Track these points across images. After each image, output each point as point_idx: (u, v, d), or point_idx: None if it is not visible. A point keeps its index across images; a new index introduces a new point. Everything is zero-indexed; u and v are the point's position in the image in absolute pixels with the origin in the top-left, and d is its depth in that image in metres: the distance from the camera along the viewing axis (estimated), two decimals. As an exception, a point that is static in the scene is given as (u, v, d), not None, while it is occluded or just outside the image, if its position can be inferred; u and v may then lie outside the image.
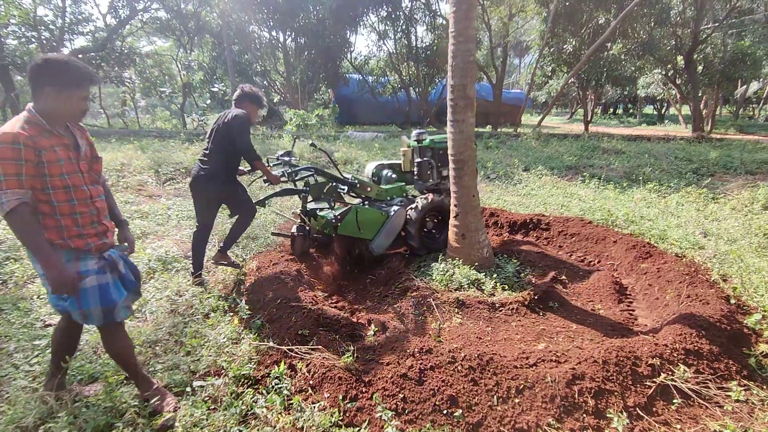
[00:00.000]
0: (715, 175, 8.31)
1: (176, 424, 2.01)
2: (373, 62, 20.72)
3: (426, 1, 16.99)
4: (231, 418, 2.02)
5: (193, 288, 3.30)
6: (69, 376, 2.23)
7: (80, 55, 13.30)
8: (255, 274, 3.65)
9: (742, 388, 2.18)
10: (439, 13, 17.36)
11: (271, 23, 17.19)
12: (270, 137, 10.12)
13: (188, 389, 2.19)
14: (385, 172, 4.68)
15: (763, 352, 2.52)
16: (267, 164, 3.76)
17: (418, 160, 4.57)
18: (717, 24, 16.50)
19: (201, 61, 17.05)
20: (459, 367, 2.26)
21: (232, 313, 2.99)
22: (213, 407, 2.11)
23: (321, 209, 4.05)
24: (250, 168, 3.71)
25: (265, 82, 18.78)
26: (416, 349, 2.39)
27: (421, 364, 2.29)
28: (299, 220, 4.13)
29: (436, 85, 19.04)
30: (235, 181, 3.56)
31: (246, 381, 2.31)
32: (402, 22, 17.27)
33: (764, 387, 2.25)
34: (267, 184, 3.81)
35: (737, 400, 2.12)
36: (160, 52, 18.37)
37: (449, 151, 3.83)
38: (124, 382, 2.26)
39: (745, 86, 23.68)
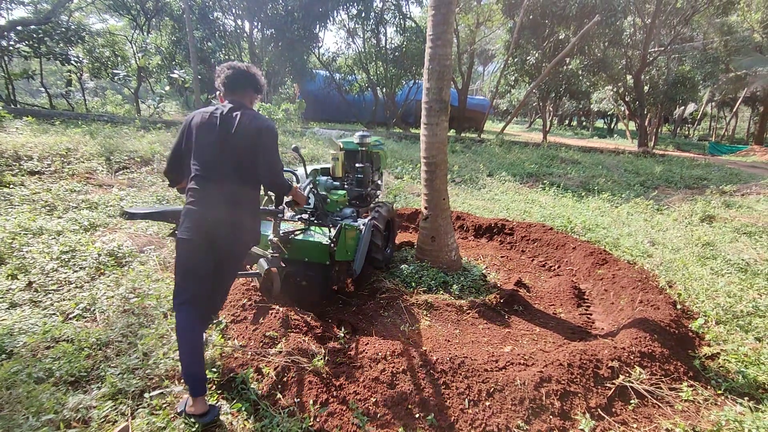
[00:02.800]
0: (659, 188, 8.96)
1: (131, 434, 1.85)
2: (341, 59, 20.49)
3: (397, 3, 17.05)
4: (192, 425, 1.90)
5: (151, 285, 3.09)
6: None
7: (19, 28, 12.12)
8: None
9: (690, 389, 2.35)
10: (409, 16, 17.49)
11: (238, 11, 16.55)
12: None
13: (146, 395, 2.03)
14: (323, 178, 3.84)
15: (706, 354, 2.73)
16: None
17: (360, 165, 4.15)
18: (662, 48, 17.87)
19: (159, 45, 16.07)
20: (431, 371, 2.26)
21: (193, 314, 2.82)
22: (173, 415, 1.97)
23: (296, 232, 3.16)
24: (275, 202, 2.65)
25: (228, 72, 18.03)
26: (388, 353, 2.37)
27: (393, 367, 2.27)
28: (274, 250, 2.81)
29: (403, 87, 19.17)
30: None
31: (209, 386, 2.18)
32: (372, 21, 17.21)
33: (708, 387, 2.44)
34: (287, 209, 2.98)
35: (686, 400, 2.28)
36: (112, 31, 17.14)
37: (422, 154, 3.85)
38: (72, 386, 2.06)
39: (683, 107, 25.84)
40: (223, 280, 2.20)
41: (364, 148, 4.16)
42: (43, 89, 14.85)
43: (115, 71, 13.31)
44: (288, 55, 16.71)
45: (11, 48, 11.97)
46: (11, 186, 4.73)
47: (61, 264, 3.28)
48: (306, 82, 19.05)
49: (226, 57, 17.02)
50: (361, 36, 17.84)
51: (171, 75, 13.11)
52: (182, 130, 2.12)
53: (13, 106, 10.87)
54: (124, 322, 2.63)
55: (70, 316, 2.69)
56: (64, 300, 2.85)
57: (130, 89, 15.25)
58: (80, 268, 3.28)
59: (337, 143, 4.22)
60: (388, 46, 17.56)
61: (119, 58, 15.16)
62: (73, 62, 13.70)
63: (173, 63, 16.21)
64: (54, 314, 2.67)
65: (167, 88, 13.51)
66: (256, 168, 2.10)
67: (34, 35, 12.20)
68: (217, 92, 2.22)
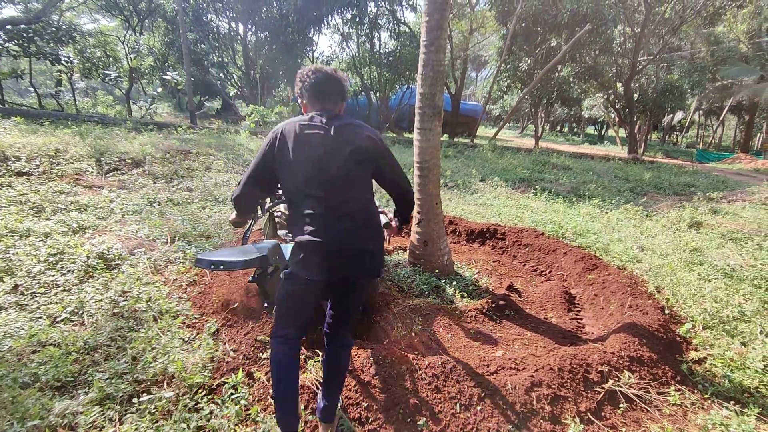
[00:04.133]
0: (648, 194, 9.10)
1: (118, 439, 1.83)
2: (335, 63, 20.56)
3: (391, 8, 17.17)
4: (182, 431, 1.88)
5: (141, 289, 3.05)
6: (-11, 388, 1.96)
7: (9, 27, 11.96)
8: (209, 275, 3.45)
9: (678, 393, 2.38)
10: (403, 21, 17.62)
11: (232, 14, 16.54)
12: (226, 132, 9.68)
13: (135, 400, 2.01)
14: None
15: (693, 358, 2.76)
16: None
17: None
18: (652, 57, 18.20)
19: (151, 46, 15.98)
20: (423, 375, 2.27)
21: (183, 317, 2.80)
22: (162, 420, 1.95)
23: None
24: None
25: (222, 75, 18.00)
26: (379, 357, 2.37)
27: (384, 371, 2.27)
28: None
29: (396, 91, 19.26)
30: None
31: (200, 390, 2.16)
32: (366, 26, 17.31)
33: (695, 391, 2.47)
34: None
35: (674, 404, 2.31)
36: (104, 31, 17.00)
37: (415, 159, 3.87)
38: (58, 391, 2.03)
39: (671, 115, 26.31)
40: (353, 311, 1.97)
41: None
42: (32, 89, 14.66)
43: (106, 72, 13.18)
44: (282, 58, 16.73)
45: (0, 47, 11.80)
46: (-2, 187, 4.65)
47: (49, 266, 3.23)
48: (300, 85, 19.05)
49: (220, 59, 17.00)
50: (356, 40, 17.92)
51: (164, 77, 13.03)
52: (269, 146, 1.74)
53: (1, 106, 10.71)
54: (113, 325, 2.60)
55: (58, 319, 2.65)
56: (51, 303, 2.80)
57: (121, 90, 15.13)
58: (68, 270, 3.23)
59: None
60: (382, 51, 17.65)
61: (111, 59, 15.02)
62: (63, 62, 13.55)
63: (166, 64, 16.12)
64: (41, 318, 2.63)
65: (159, 89, 13.42)
66: (382, 182, 1.93)
67: (24, 34, 12.06)
68: (300, 100, 1.90)
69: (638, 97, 19.83)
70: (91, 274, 3.25)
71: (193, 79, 12.54)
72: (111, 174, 5.91)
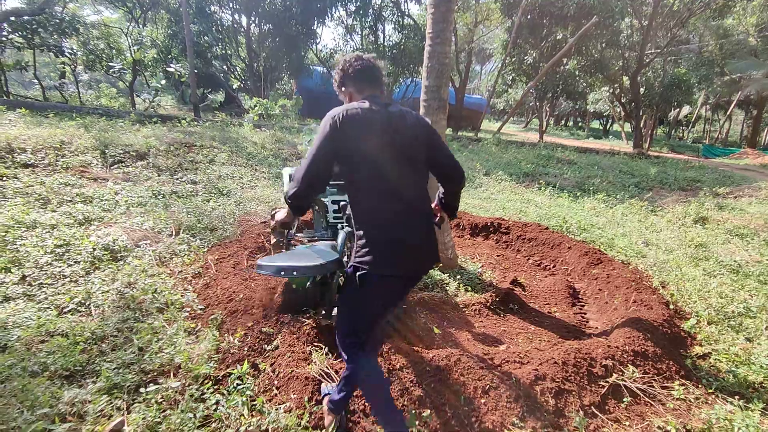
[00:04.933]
0: (653, 189, 9.04)
1: (126, 428, 1.85)
2: (338, 56, 20.45)
3: (395, 0, 17.02)
4: (189, 421, 1.90)
5: (147, 280, 3.07)
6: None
7: (12, 18, 11.95)
8: (214, 267, 3.47)
9: (682, 387, 2.38)
10: (407, 14, 17.47)
11: (235, 5, 16.43)
12: (230, 125, 9.66)
13: (142, 390, 2.03)
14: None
15: (697, 353, 2.76)
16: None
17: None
18: (659, 50, 17.98)
19: (154, 38, 15.93)
20: (427, 368, 2.27)
21: (189, 309, 2.82)
22: (168, 409, 1.97)
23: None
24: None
25: (225, 67, 17.93)
26: (384, 349, 2.38)
27: (389, 364, 2.28)
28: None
29: (400, 85, 19.15)
30: None
31: (205, 381, 2.18)
32: (370, 18, 17.18)
33: (699, 386, 2.47)
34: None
35: (678, 398, 2.31)
36: (107, 23, 16.95)
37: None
38: (67, 380, 2.05)
39: (678, 110, 26.04)
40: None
41: None
42: (36, 81, 14.67)
43: (110, 64, 13.15)
44: (285, 50, 16.64)
45: (4, 39, 11.80)
46: (4, 178, 4.67)
47: (56, 258, 3.25)
48: (303, 78, 18.98)
49: (223, 52, 16.91)
50: (359, 33, 17.79)
51: (167, 69, 12.99)
52: (331, 135, 1.59)
53: (5, 98, 10.74)
54: (120, 316, 2.62)
55: (65, 310, 2.67)
56: (58, 294, 2.82)
57: (125, 82, 15.11)
58: (75, 262, 3.25)
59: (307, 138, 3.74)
60: (386, 44, 17.52)
61: (114, 51, 14.99)
62: (67, 54, 13.54)
63: (169, 57, 16.07)
64: (48, 308, 2.65)
65: (163, 81, 13.38)
66: (437, 165, 1.80)
67: (28, 26, 12.04)
68: (342, 89, 1.79)
69: (645, 91, 19.63)
70: (97, 265, 3.27)
71: (196, 71, 12.50)
72: (116, 166, 5.92)
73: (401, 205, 1.64)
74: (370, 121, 1.62)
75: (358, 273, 1.63)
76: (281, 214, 1.93)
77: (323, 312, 2.07)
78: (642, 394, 2.31)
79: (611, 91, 20.88)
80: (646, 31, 16.50)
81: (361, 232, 1.64)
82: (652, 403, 2.28)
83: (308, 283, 2.07)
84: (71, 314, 2.63)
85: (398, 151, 1.64)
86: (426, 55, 3.59)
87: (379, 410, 1.73)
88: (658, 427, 2.11)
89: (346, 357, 1.75)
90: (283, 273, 1.66)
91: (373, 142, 1.61)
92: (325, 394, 2.05)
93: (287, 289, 2.78)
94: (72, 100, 13.78)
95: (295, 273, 1.65)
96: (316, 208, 3.16)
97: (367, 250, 1.61)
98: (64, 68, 15.31)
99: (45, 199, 4.39)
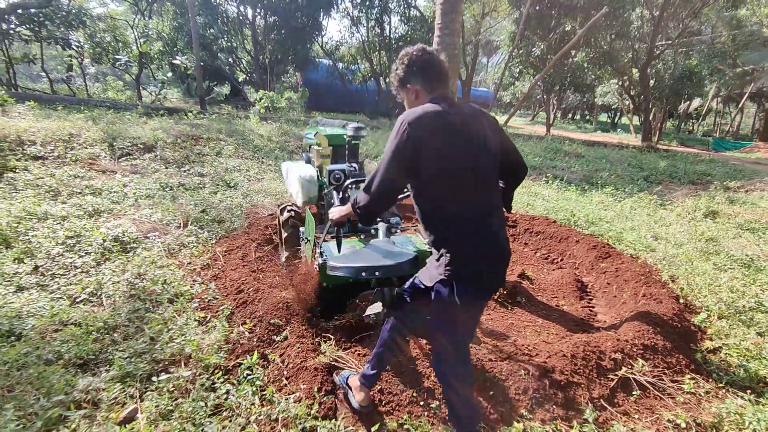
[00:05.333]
0: (662, 183, 8.94)
1: (139, 415, 1.88)
2: (344, 48, 20.31)
3: (402, -9, 16.85)
4: (200, 409, 1.92)
5: (156, 271, 3.10)
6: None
7: (20, 11, 11.99)
8: (222, 259, 3.49)
9: (692, 381, 2.37)
10: (413, 5, 17.29)
11: (240, -3, 16.37)
12: (236, 117, 9.67)
13: (154, 379, 2.05)
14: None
15: (708, 348, 2.74)
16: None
17: (355, 163, 3.47)
18: (670, 42, 17.67)
19: (160, 31, 15.92)
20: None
21: (198, 300, 2.84)
22: (180, 398, 1.99)
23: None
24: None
25: (230, 60, 17.90)
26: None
27: (399, 356, 2.29)
28: None
29: (406, 77, 19.03)
30: None
31: (216, 370, 2.20)
32: (376, 10, 17.02)
33: (709, 380, 2.46)
34: None
35: (688, 392, 2.30)
36: (113, 15, 16.96)
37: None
38: (80, 368, 2.09)
39: (688, 102, 25.64)
40: None
41: (357, 142, 3.52)
42: (43, 74, 14.76)
43: (117, 57, 13.17)
44: (291, 43, 16.57)
45: (12, 31, 11.86)
46: (15, 171, 4.72)
47: (67, 249, 3.29)
48: (309, 70, 18.91)
49: (229, 44, 16.88)
50: (365, 25, 17.64)
51: (173, 61, 12.98)
52: (406, 140, 1.46)
53: (14, 91, 10.81)
54: (130, 306, 2.65)
55: (77, 300, 2.71)
56: (70, 284, 2.86)
57: (131, 75, 15.15)
58: (85, 253, 3.29)
59: (324, 132, 3.57)
60: (392, 36, 17.37)
61: (120, 44, 15.01)
62: (74, 47, 13.58)
63: (174, 49, 16.06)
64: (61, 298, 2.69)
65: (169, 74, 13.40)
66: (505, 162, 1.70)
67: (35, 19, 12.08)
68: (409, 86, 1.63)
69: (654, 84, 19.32)
70: (107, 256, 3.30)
71: (202, 64, 12.50)
72: (123, 159, 5.95)
73: (487, 212, 1.56)
74: (448, 125, 1.49)
75: (454, 288, 1.49)
76: (337, 213, 1.86)
77: (371, 314, 2.05)
78: (651, 388, 2.30)
79: (620, 83, 20.58)
80: (657, 22, 16.19)
81: (448, 244, 1.51)
82: (662, 396, 2.27)
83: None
84: (83, 304, 2.67)
85: (478, 154, 1.53)
86: (435, 46, 3.55)
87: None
88: (668, 421, 2.10)
89: (443, 385, 1.70)
90: (364, 274, 1.55)
91: (454, 147, 1.49)
92: (347, 375, 2.08)
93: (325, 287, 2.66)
94: (79, 92, 13.85)
95: (377, 273, 1.55)
96: (332, 201, 3.14)
97: (461, 262, 1.50)
98: (71, 61, 15.36)
99: (55, 191, 4.44)
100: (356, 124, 3.36)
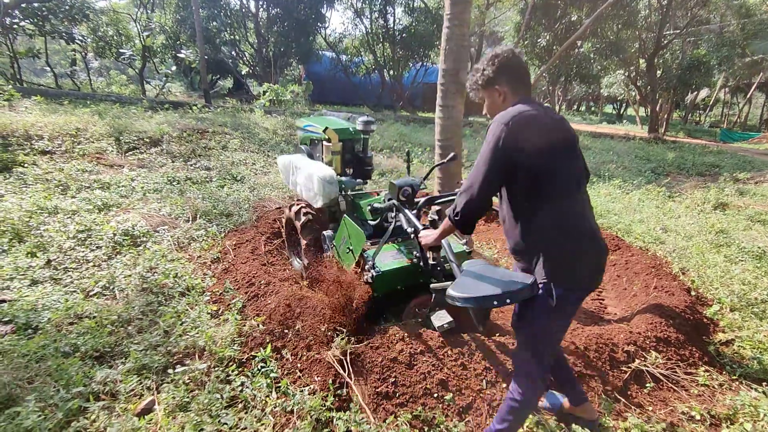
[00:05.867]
0: (670, 174, 8.86)
1: (156, 407, 1.90)
2: (347, 41, 20.14)
3: (405, -18, 16.66)
4: (216, 401, 1.94)
5: (167, 265, 3.12)
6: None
7: (23, 5, 11.96)
8: (232, 252, 3.50)
9: (706, 373, 2.36)
10: (417, -4, 17.12)
11: (242, -11, 16.25)
12: (241, 111, 9.64)
13: (170, 371, 2.07)
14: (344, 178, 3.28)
15: (720, 340, 2.73)
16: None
17: (362, 156, 3.50)
18: (678, 31, 17.40)
19: (163, 24, 15.85)
20: (448, 352, 2.28)
21: (210, 293, 2.86)
22: (196, 390, 2.01)
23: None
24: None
25: (233, 53, 17.82)
26: (405, 334, 2.39)
27: (411, 348, 2.29)
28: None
29: (410, 69, 18.88)
30: None
31: (230, 363, 2.22)
32: (380, 1, 16.84)
33: (723, 372, 2.45)
34: None
35: (702, 384, 2.30)
36: (115, 8, 16.90)
37: (436, 137, 3.81)
38: (97, 360, 2.11)
39: (695, 93, 25.30)
40: None
41: (366, 137, 3.43)
42: (48, 68, 14.76)
43: (121, 51, 13.14)
44: (294, 35, 16.45)
45: (16, 26, 11.84)
46: (24, 165, 4.74)
47: (78, 243, 3.31)
48: (312, 63, 18.79)
49: (232, 37, 16.79)
50: (369, 16, 17.46)
51: (178, 54, 12.94)
52: (505, 144, 1.45)
53: (19, 85, 10.83)
54: (143, 300, 2.67)
55: (91, 293, 2.73)
56: (83, 278, 2.88)
57: (134, 69, 15.13)
58: (97, 247, 3.31)
59: (336, 124, 3.46)
60: (396, 27, 17.21)
61: (123, 37, 14.97)
62: (77, 41, 13.56)
63: (177, 43, 16.01)
64: (75, 291, 2.71)
65: (174, 68, 13.36)
66: (586, 171, 1.69)
67: (38, 13, 12.06)
68: (497, 87, 1.61)
69: (662, 74, 19.07)
70: (118, 250, 3.32)
71: (206, 57, 12.45)
72: (130, 153, 5.96)
73: (586, 210, 1.55)
74: (544, 126, 1.49)
75: (554, 292, 1.47)
76: (430, 237, 1.87)
77: (443, 324, 2.08)
78: (665, 380, 2.30)
79: (627, 74, 20.33)
80: (665, 11, 15.94)
81: (553, 247, 1.50)
82: (676, 389, 2.27)
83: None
84: (97, 297, 2.69)
85: (571, 155, 1.55)
86: (444, 37, 3.51)
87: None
88: (682, 413, 2.10)
89: (527, 387, 1.65)
90: (496, 303, 1.50)
91: (553, 148, 1.48)
92: (559, 402, 2.02)
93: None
94: (83, 87, 13.85)
95: (508, 301, 1.52)
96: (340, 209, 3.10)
97: (567, 262, 1.49)
98: (74, 55, 15.36)
99: (64, 186, 4.46)
100: (366, 118, 3.29)
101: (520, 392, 1.65)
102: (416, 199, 2.60)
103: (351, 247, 2.53)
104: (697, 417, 2.08)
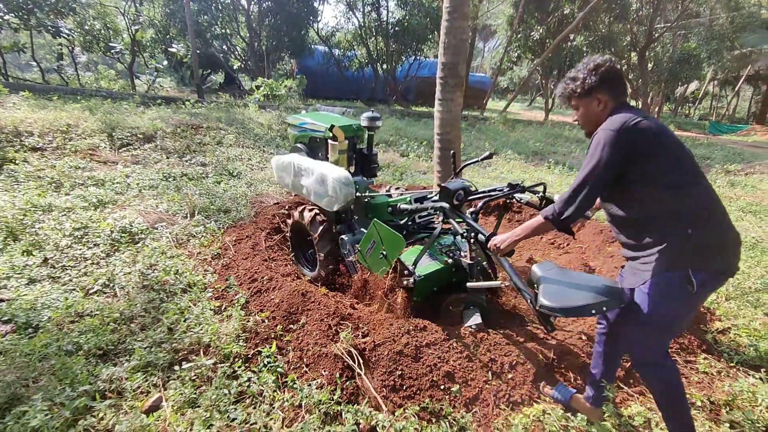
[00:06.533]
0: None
1: (164, 403, 1.89)
2: (340, 34, 19.97)
3: (398, -25, 16.52)
4: (224, 397, 1.93)
5: (167, 262, 3.09)
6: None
7: (8, -2, 11.67)
8: (233, 248, 3.48)
9: (705, 361, 2.41)
10: (410, -11, 16.96)
11: (233, -18, 16.00)
12: (234, 106, 9.54)
13: (176, 368, 2.06)
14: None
15: (718, 328, 2.78)
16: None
17: (368, 153, 3.43)
18: (669, 24, 17.53)
19: (152, 18, 15.57)
20: (453, 344, 2.30)
21: (212, 289, 2.84)
22: (203, 386, 2.00)
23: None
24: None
25: (225, 47, 17.58)
26: (411, 327, 2.40)
27: (416, 341, 2.30)
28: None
29: (403, 63, 18.80)
30: None
31: (236, 359, 2.21)
32: (373, -7, 16.71)
33: (720, 360, 2.50)
34: None
35: (702, 372, 2.34)
36: (103, 2, 16.54)
37: (435, 131, 3.80)
38: (101, 359, 2.09)
39: (685, 86, 25.57)
40: None
41: (371, 133, 3.35)
42: (33, 63, 14.44)
43: (110, 45, 12.89)
44: (286, 29, 16.26)
45: (0, 20, 11.55)
46: (15, 162, 4.65)
47: (75, 240, 3.26)
48: (304, 57, 18.60)
49: (223, 31, 16.56)
50: (361, 10, 17.32)
51: (169, 49, 12.73)
52: (621, 147, 1.56)
53: (4, 80, 10.60)
54: (145, 297, 2.65)
55: (90, 291, 2.70)
56: (82, 276, 2.85)
57: (123, 64, 14.86)
58: (94, 244, 3.27)
59: (343, 121, 3.35)
60: (389, 21, 17.09)
61: (111, 31, 14.67)
62: (64, 35, 13.27)
63: (167, 37, 15.74)
64: (74, 290, 2.68)
65: (165, 63, 13.14)
66: None
67: (24, 6, 11.77)
68: (599, 95, 1.71)
69: (653, 67, 19.23)
70: (116, 247, 3.28)
71: (198, 51, 12.26)
72: (124, 149, 5.88)
73: (718, 199, 1.63)
74: (652, 129, 1.58)
75: (694, 279, 1.53)
76: (507, 242, 1.94)
77: (473, 325, 2.18)
78: (666, 368, 2.33)
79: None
80: (656, 4, 16.05)
81: (688, 232, 1.55)
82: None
83: None
84: (97, 295, 2.66)
85: (682, 150, 1.62)
86: (443, 30, 3.49)
87: (675, 415, 1.75)
88: (683, 400, 2.14)
89: (660, 371, 1.71)
90: (594, 311, 1.59)
91: (666, 146, 1.59)
92: (568, 395, 2.03)
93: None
94: (71, 82, 13.59)
95: (604, 309, 1.61)
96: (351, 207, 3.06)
97: (709, 249, 1.55)
98: (61, 50, 15.03)
99: (57, 183, 4.38)
100: (371, 114, 3.21)
101: (659, 380, 1.71)
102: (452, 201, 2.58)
103: (385, 253, 2.47)
104: (698, 403, 2.12)
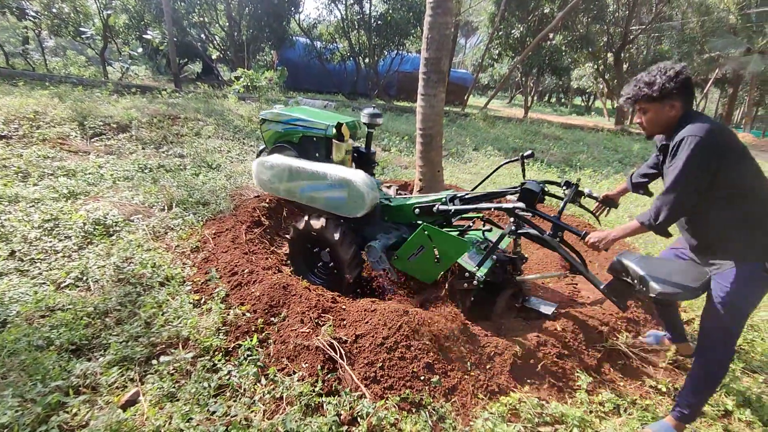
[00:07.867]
0: (636, 165, 9.26)
1: (141, 398, 1.86)
2: (322, 27, 19.71)
3: (381, -32, 16.42)
4: (204, 390, 1.92)
5: (144, 255, 3.01)
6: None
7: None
8: (212, 241, 3.42)
9: (673, 350, 2.53)
10: (393, -18, 16.87)
11: (211, -32, 15.53)
12: (213, 96, 9.31)
13: (153, 362, 2.03)
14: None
15: (683, 319, 2.92)
16: None
17: (369, 152, 3.37)
18: (643, 26, 18.06)
19: (125, 3, 14.98)
20: (434, 337, 2.34)
21: (191, 282, 2.79)
22: (182, 380, 1.98)
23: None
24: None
25: (202, 36, 17.09)
26: (389, 320, 2.42)
27: (396, 334, 2.33)
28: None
29: (385, 57, 18.73)
30: None
31: (216, 352, 2.19)
32: (355, -14, 16.54)
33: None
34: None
35: (669, 361, 2.46)
36: (72, -16, 15.79)
37: (418, 126, 3.82)
38: (74, 354, 2.03)
39: (658, 87, 26.37)
40: None
41: (371, 131, 3.26)
42: (-4, 46, 13.68)
43: (81, 30, 12.35)
44: (267, 20, 15.94)
45: (-41, -1, 10.91)
46: (-22, 150, 4.42)
47: (44, 233, 3.14)
48: (285, 49, 18.29)
49: (201, 19, 16.09)
50: (344, 2, 17.13)
51: (144, 36, 12.29)
52: (710, 157, 1.67)
53: (-34, 65, 10.02)
54: (121, 291, 2.58)
55: (62, 285, 2.61)
56: (52, 269, 2.75)
57: (94, 50, 14.25)
58: (65, 237, 3.15)
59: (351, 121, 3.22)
60: (372, 14, 16.97)
61: (81, 15, 14.04)
62: (30, 18, 12.63)
63: (142, 23, 15.19)
64: (44, 283, 2.59)
65: (140, 50, 12.69)
66: None
67: (-14, -15, 11.14)
68: (673, 102, 1.80)
69: (627, 68, 19.80)
70: (90, 240, 3.18)
71: (175, 39, 11.87)
72: (96, 139, 5.66)
73: None
74: (726, 132, 1.73)
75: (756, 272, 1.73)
76: (605, 240, 2.06)
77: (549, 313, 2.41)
78: (635, 358, 2.45)
79: (595, 67, 20.97)
80: (631, 7, 16.50)
81: (763, 228, 1.73)
82: (645, 365, 2.42)
83: None
84: (69, 289, 2.58)
85: (748, 153, 1.76)
86: (426, 26, 3.51)
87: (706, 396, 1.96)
88: (651, 387, 2.25)
89: (723, 355, 1.88)
90: (701, 293, 1.79)
91: (741, 150, 1.73)
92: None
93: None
94: (38, 67, 12.97)
95: (700, 292, 1.78)
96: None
97: None
98: (27, 33, 14.31)
99: (24, 173, 4.20)
100: (372, 110, 3.09)
101: (717, 361, 1.88)
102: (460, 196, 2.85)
103: (439, 257, 2.53)
104: (664, 390, 2.23)
